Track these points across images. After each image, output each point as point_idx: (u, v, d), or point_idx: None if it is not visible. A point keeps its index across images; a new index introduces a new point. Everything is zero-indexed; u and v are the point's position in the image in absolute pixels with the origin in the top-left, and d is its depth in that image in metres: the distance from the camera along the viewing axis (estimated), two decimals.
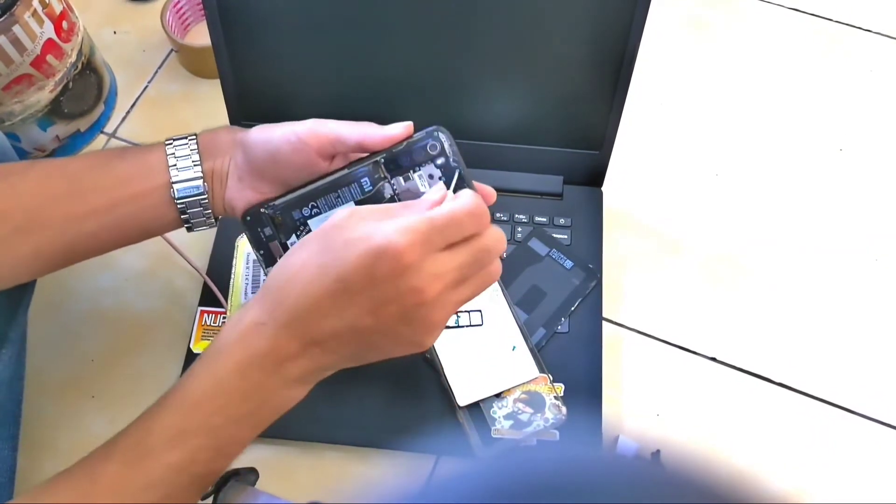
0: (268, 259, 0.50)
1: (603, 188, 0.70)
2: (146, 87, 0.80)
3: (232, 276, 0.64)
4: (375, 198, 0.49)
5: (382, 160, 0.48)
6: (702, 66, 0.82)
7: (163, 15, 0.77)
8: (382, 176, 0.48)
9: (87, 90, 0.74)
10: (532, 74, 0.62)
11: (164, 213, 0.50)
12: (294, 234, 0.50)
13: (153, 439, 0.41)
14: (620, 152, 0.67)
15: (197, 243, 0.68)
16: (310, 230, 0.49)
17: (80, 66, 0.72)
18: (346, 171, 0.49)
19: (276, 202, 0.49)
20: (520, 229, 0.67)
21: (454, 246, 0.42)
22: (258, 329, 0.42)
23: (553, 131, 0.66)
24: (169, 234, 0.66)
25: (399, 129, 0.48)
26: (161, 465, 0.41)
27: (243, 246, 0.65)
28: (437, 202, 0.44)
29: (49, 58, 0.67)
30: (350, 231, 0.42)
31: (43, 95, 0.69)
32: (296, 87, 0.64)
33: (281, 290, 0.42)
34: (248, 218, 0.49)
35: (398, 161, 0.48)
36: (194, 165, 0.49)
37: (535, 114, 0.65)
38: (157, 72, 0.81)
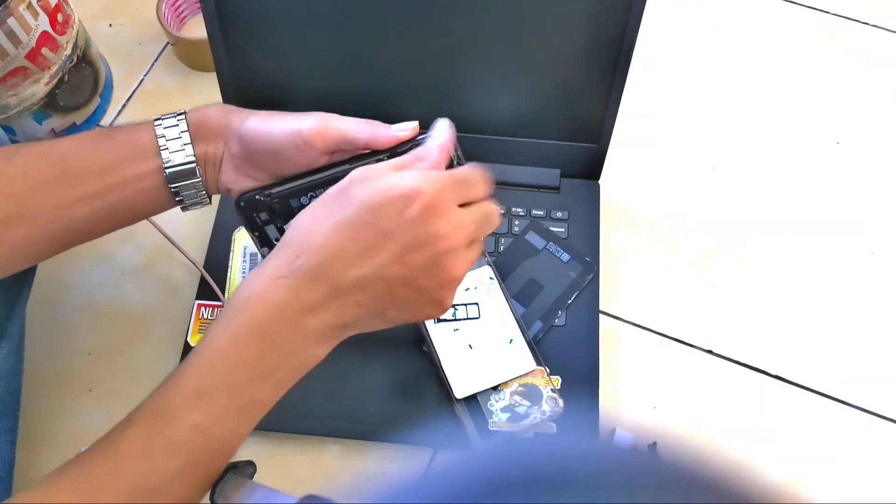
0: (263, 240, 0.50)
1: (600, 181, 0.70)
2: (142, 80, 0.80)
3: (229, 269, 0.64)
4: None
5: (386, 158, 0.48)
6: (699, 59, 0.82)
7: (158, 7, 0.77)
8: None
9: (82, 83, 0.74)
10: (529, 67, 0.62)
11: (158, 195, 0.49)
12: (291, 220, 0.49)
13: (173, 401, 0.40)
14: (618, 145, 0.66)
15: (194, 236, 0.68)
16: None
17: (75, 58, 0.71)
18: (347, 166, 0.48)
19: (274, 190, 0.49)
20: (517, 222, 0.67)
21: (467, 205, 0.45)
22: (277, 282, 0.41)
23: (550, 124, 0.65)
24: (166, 228, 0.66)
25: (407, 131, 0.48)
26: (183, 426, 0.40)
27: (240, 239, 0.65)
28: (445, 144, 0.46)
29: (44, 50, 0.67)
30: (372, 182, 0.42)
31: (38, 88, 0.69)
32: (292, 79, 0.64)
33: (301, 242, 0.42)
34: (243, 204, 0.49)
35: None
36: (185, 148, 0.48)
37: (533, 107, 0.65)
38: (153, 65, 0.81)
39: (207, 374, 0.41)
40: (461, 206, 0.44)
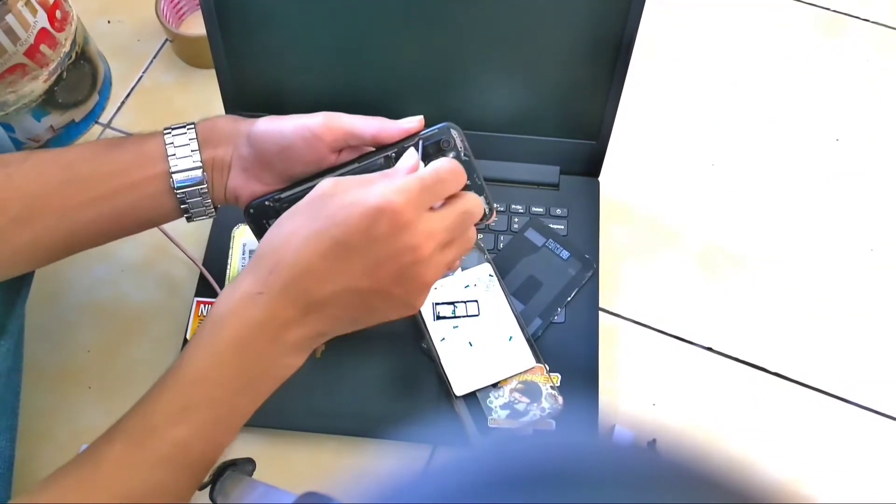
0: None
1: (600, 178, 0.70)
2: (141, 76, 0.80)
3: (228, 266, 0.64)
4: None
5: (394, 154, 0.48)
6: (698, 55, 0.81)
7: (157, 4, 0.77)
8: None
9: (81, 80, 0.74)
10: (529, 64, 0.62)
11: (163, 202, 0.50)
12: None
13: (156, 417, 0.41)
14: (617, 142, 0.66)
15: (193, 234, 0.68)
16: None
17: (73, 55, 0.71)
18: (356, 164, 0.49)
19: (283, 195, 0.49)
20: (516, 219, 0.67)
21: (440, 208, 0.45)
22: (254, 299, 0.42)
23: (550, 121, 0.65)
24: (165, 226, 0.66)
25: (413, 123, 0.48)
26: (167, 441, 0.41)
27: (240, 236, 0.65)
28: (413, 168, 0.45)
29: (43, 47, 0.67)
30: (341, 197, 0.43)
31: (37, 85, 0.69)
32: (291, 76, 0.64)
33: (273, 258, 0.43)
34: (252, 210, 0.49)
35: None
36: (193, 154, 0.49)
37: (532, 103, 0.64)
38: (151, 61, 0.81)
39: (191, 390, 0.42)
40: (434, 207, 0.44)
